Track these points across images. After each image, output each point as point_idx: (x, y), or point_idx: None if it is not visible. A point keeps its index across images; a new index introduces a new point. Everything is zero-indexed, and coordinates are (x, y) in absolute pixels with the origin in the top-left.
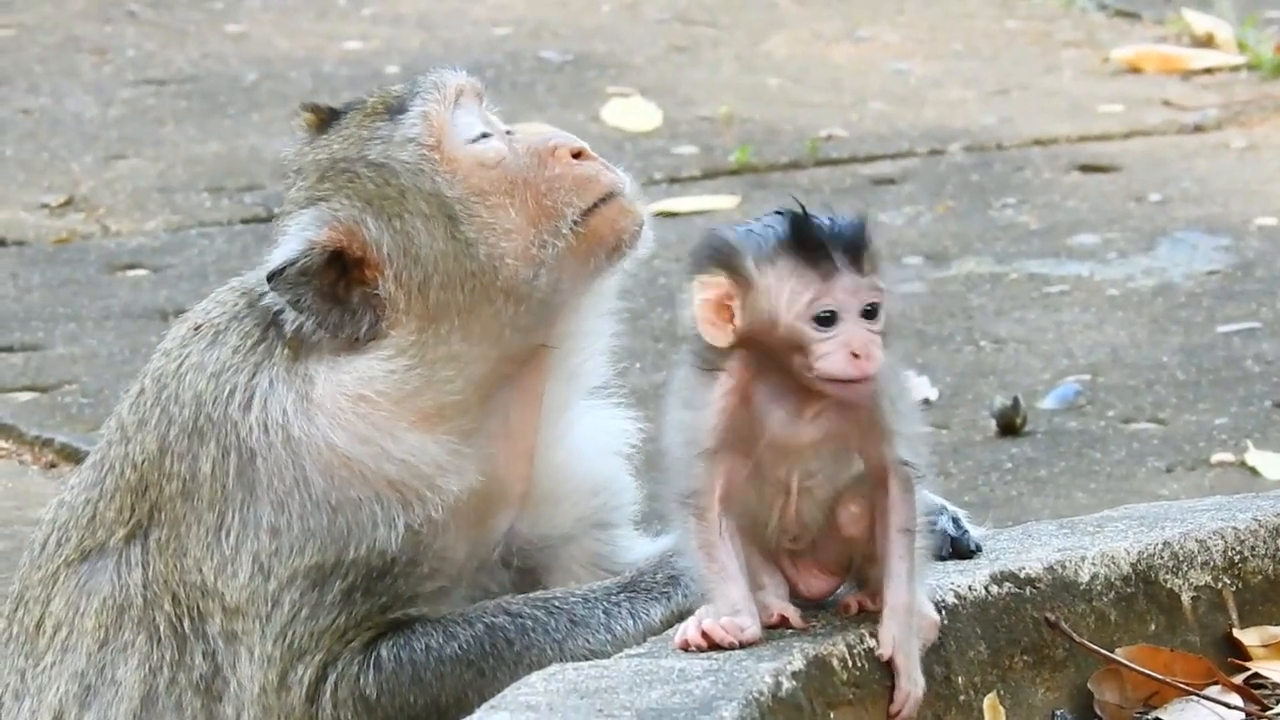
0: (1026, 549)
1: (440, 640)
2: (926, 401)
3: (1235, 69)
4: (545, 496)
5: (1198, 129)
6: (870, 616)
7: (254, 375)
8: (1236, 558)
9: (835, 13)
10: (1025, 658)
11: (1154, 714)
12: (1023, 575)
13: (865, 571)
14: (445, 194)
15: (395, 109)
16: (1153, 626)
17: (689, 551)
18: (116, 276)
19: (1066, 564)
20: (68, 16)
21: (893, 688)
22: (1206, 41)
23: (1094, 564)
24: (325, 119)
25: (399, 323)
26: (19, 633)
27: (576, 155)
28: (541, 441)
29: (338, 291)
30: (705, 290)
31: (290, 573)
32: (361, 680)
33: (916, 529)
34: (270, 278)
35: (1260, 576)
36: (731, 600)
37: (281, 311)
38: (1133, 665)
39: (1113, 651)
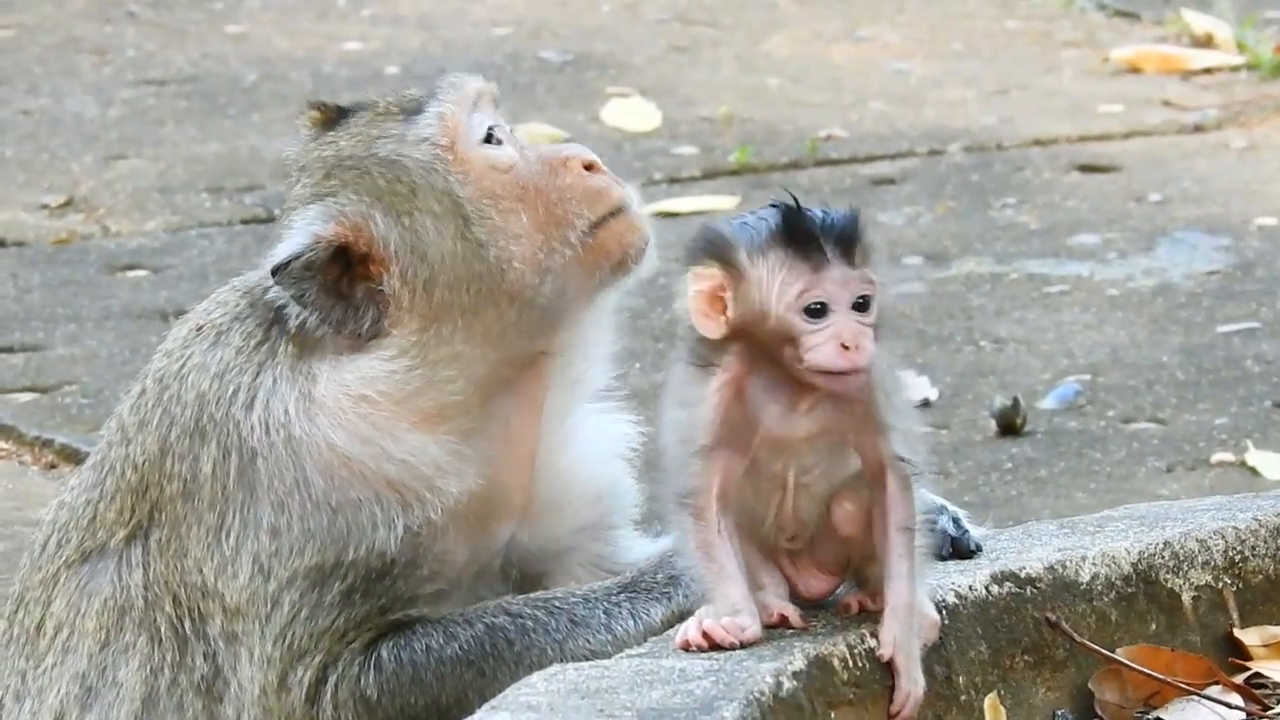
0: (1027, 549)
1: (441, 641)
2: (927, 402)
3: (1235, 69)
4: (547, 506)
5: (1197, 129)
6: (871, 616)
7: (257, 375)
8: (1237, 557)
9: (835, 13)
10: (1026, 657)
11: (1155, 714)
12: (1023, 575)
13: (864, 571)
14: (458, 194)
15: (411, 110)
16: (1153, 626)
17: (688, 552)
18: (116, 277)
19: (1067, 564)
20: (68, 17)
21: (893, 688)
22: (1206, 42)
23: (1094, 564)
24: (331, 117)
25: (401, 321)
26: (19, 634)
27: (588, 167)
28: (542, 450)
29: (341, 287)
30: (698, 282)
31: (290, 573)
32: (362, 681)
33: (916, 527)
34: (274, 271)
35: (1261, 576)
36: (731, 600)
37: (285, 307)
38: (1133, 665)
39: (1113, 651)
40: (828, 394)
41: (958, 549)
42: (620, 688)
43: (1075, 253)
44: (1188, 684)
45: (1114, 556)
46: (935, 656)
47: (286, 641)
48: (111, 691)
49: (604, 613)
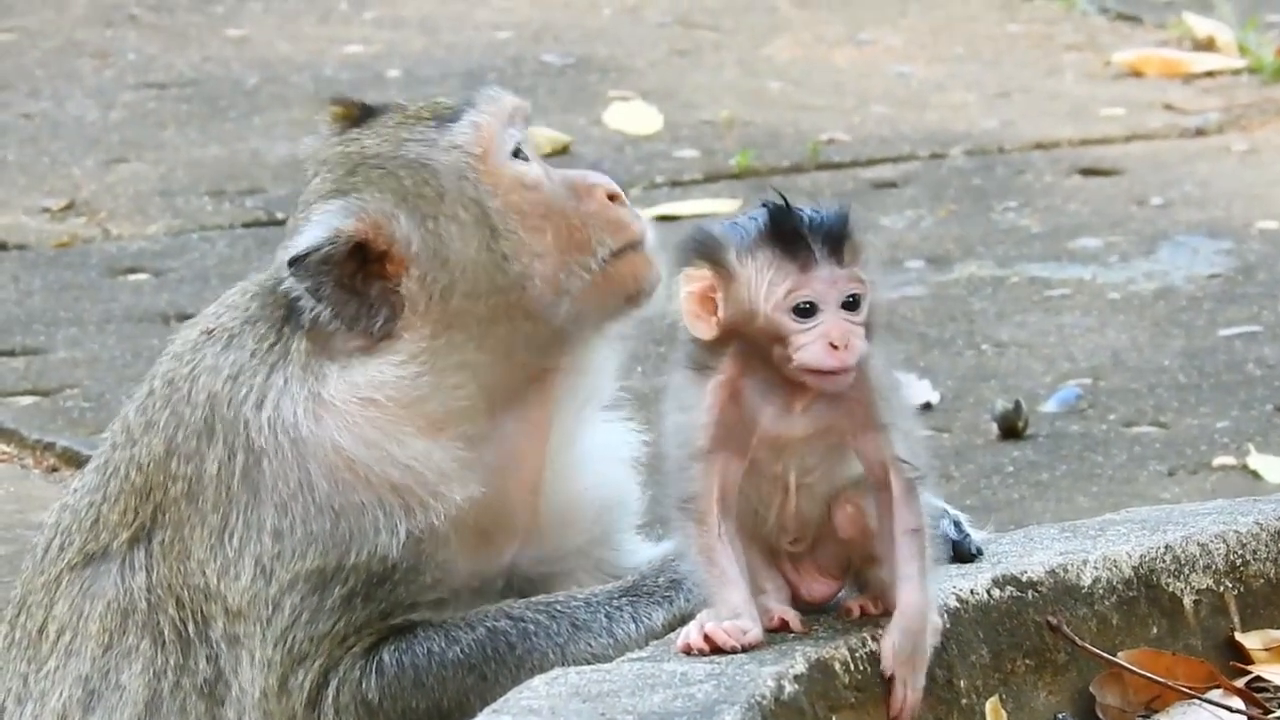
0: (1028, 552)
1: (442, 644)
2: (928, 405)
3: (1236, 72)
4: (552, 526)
5: (1199, 132)
6: (873, 620)
7: (269, 375)
8: (1238, 561)
9: (837, 16)
10: (1027, 661)
11: (1156, 717)
12: (1025, 579)
13: (865, 574)
14: (487, 205)
15: (445, 117)
16: (1154, 630)
17: (689, 556)
18: (118, 280)
19: (1068, 567)
20: (69, 21)
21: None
22: (1208, 45)
23: (1096, 567)
24: (355, 115)
25: (413, 325)
26: (21, 638)
27: (612, 197)
28: (549, 474)
29: (356, 284)
30: (690, 283)
31: (291, 576)
32: (364, 685)
33: (924, 527)
34: (292, 263)
35: (1262, 580)
36: (732, 604)
37: (299, 300)
38: (1134, 668)
39: (1115, 655)
40: (821, 393)
41: (959, 552)
42: (622, 691)
43: (1077, 256)
44: (1189, 687)
45: (1115, 560)
46: (937, 660)
47: (287, 645)
48: (114, 695)
49: (605, 616)
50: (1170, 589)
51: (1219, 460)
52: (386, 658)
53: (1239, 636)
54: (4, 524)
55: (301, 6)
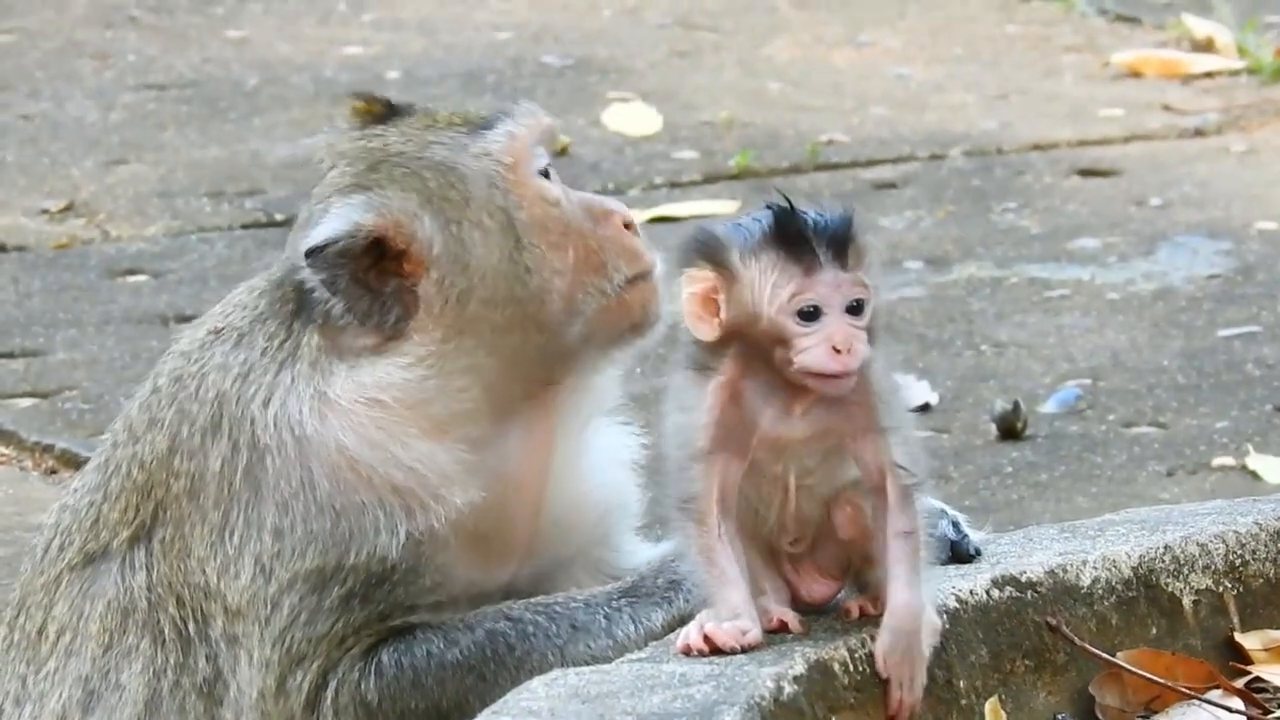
0: (1028, 553)
1: (441, 645)
2: (927, 406)
3: (1235, 73)
4: (552, 536)
5: (1198, 133)
6: (872, 621)
7: (278, 373)
8: (1238, 561)
9: (836, 17)
10: (1026, 661)
11: (1155, 718)
12: (1024, 579)
13: (864, 575)
14: (514, 215)
15: (477, 124)
16: (1154, 630)
17: (689, 556)
18: (117, 282)
19: (1068, 568)
20: (69, 22)
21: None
22: (1206, 46)
23: (1095, 568)
24: (378, 112)
25: (425, 327)
26: (20, 639)
27: (627, 226)
28: (551, 486)
29: (370, 279)
30: (692, 284)
31: (291, 575)
32: (363, 686)
33: (917, 531)
34: (310, 253)
35: (1261, 580)
36: (732, 604)
37: (313, 291)
38: (1134, 669)
39: (1114, 655)
40: (822, 396)
41: (957, 553)
42: (621, 692)
43: (1076, 257)
44: (1188, 688)
45: (1115, 560)
46: (936, 660)
47: (285, 645)
48: (114, 695)
49: (605, 618)
50: (1169, 589)
51: (1218, 460)
52: (385, 659)
53: (1238, 637)
54: (2, 526)
55: (301, 8)
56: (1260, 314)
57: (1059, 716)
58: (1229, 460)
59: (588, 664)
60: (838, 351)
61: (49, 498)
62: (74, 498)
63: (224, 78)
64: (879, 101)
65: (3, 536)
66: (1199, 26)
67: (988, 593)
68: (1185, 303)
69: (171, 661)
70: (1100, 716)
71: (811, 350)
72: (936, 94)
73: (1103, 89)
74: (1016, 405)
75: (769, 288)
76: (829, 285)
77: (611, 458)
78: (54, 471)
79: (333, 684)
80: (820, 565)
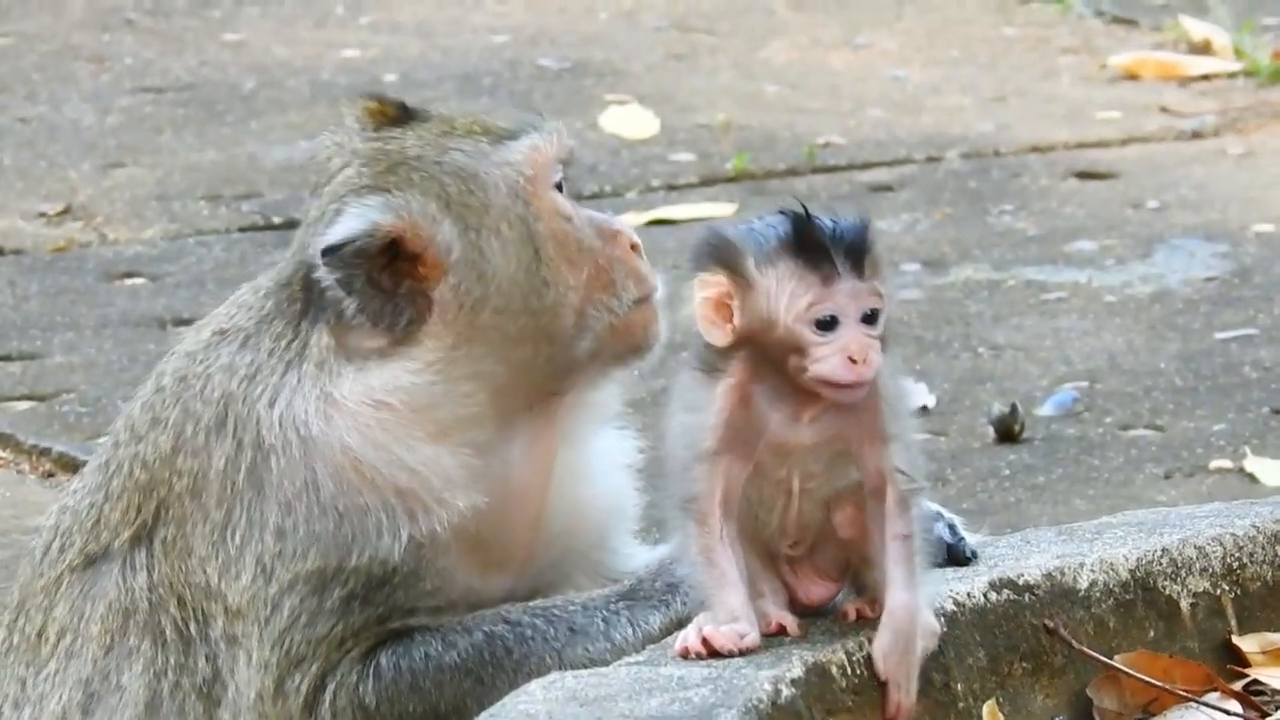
0: (1025, 556)
1: (439, 648)
2: (924, 408)
3: (1232, 75)
4: (553, 543)
5: (1195, 135)
6: (870, 623)
7: (285, 373)
8: (1235, 564)
9: (833, 20)
10: (1024, 664)
11: None
12: (1021, 582)
13: (862, 577)
14: (533, 227)
15: (500, 134)
16: (1151, 633)
17: (689, 557)
18: (114, 285)
19: (1065, 570)
20: (66, 25)
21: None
22: (1204, 48)
23: (1093, 570)
24: (393, 115)
25: (436, 331)
26: (20, 641)
27: (634, 248)
28: (553, 496)
29: (382, 280)
30: (705, 289)
31: (292, 576)
32: (361, 689)
33: (914, 533)
34: (326, 251)
35: (1259, 583)
36: (730, 607)
37: (328, 289)
38: (1132, 672)
39: (1112, 658)
40: (832, 403)
41: (952, 556)
42: (619, 695)
43: (1073, 259)
44: (1186, 691)
45: (1112, 563)
46: (933, 663)
47: (284, 647)
48: (114, 696)
49: (603, 621)
50: (1167, 592)
51: (1215, 463)
52: (384, 661)
53: (1236, 639)
54: (0, 529)
55: (298, 11)
56: (1257, 316)
57: (1057, 719)
58: (1226, 463)
59: (585, 667)
60: (853, 361)
61: (46, 501)
62: (74, 499)
63: (221, 81)
64: (876, 104)
65: (0, 540)
66: (1196, 28)
67: (985, 595)
68: (1182, 305)
69: (172, 662)
70: (1098, 719)
71: (828, 360)
72: (933, 96)
73: (1100, 91)
74: (1014, 408)
75: (786, 296)
76: (846, 295)
77: (611, 462)
78: (51, 474)
79: (331, 686)
80: (819, 567)
